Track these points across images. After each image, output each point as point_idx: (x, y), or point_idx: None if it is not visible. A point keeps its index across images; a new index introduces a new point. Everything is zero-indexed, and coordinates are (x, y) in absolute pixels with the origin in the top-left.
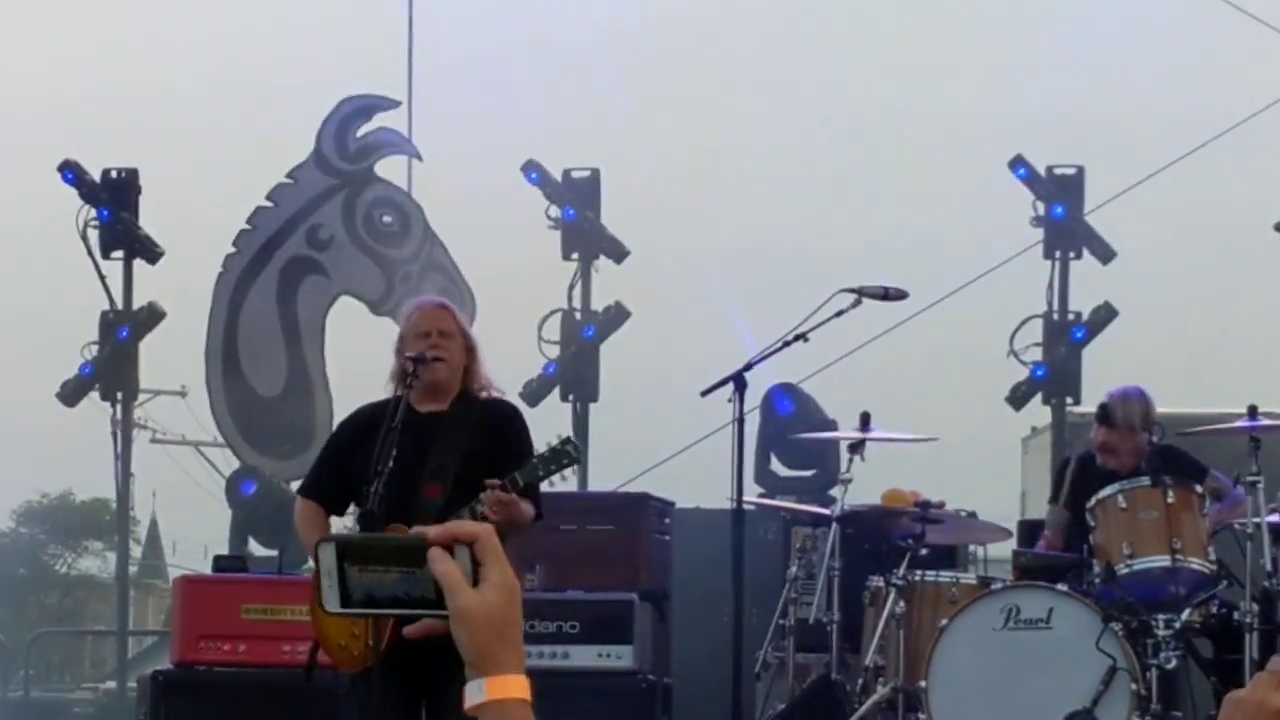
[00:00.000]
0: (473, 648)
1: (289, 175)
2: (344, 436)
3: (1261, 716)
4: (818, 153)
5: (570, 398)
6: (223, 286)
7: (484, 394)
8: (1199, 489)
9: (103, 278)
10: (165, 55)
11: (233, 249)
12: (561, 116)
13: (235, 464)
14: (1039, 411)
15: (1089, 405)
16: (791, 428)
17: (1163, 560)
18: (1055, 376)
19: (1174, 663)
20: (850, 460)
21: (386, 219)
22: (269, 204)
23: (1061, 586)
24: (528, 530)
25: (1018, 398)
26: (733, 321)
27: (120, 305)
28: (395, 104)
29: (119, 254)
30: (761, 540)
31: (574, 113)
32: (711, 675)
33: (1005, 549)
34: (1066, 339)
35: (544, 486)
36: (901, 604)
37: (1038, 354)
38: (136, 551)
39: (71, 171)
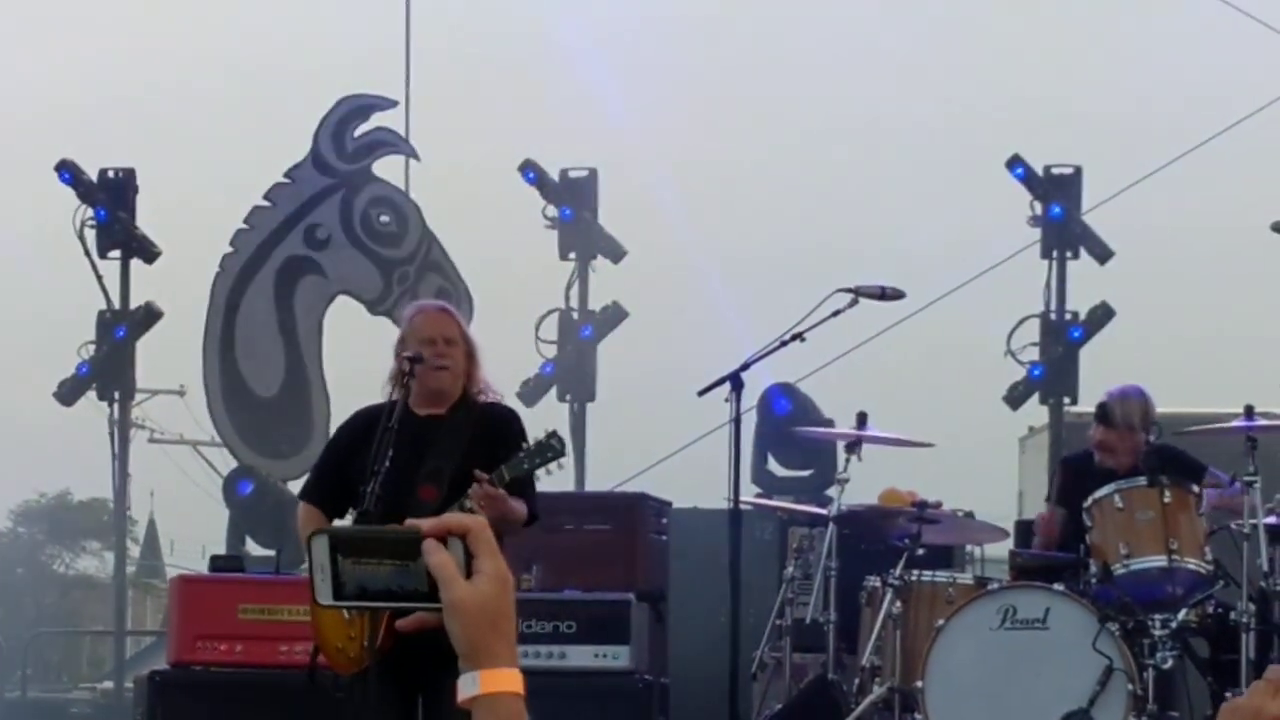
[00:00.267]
0: (466, 640)
1: (286, 175)
2: (343, 440)
3: None
4: (815, 153)
5: (567, 397)
6: (220, 286)
7: (482, 397)
8: (1196, 489)
9: (100, 277)
10: (163, 56)
11: (230, 249)
12: (559, 116)
13: (233, 463)
14: (1036, 411)
15: (1086, 405)
16: (789, 428)
17: (1159, 560)
18: (1052, 376)
19: (1170, 663)
20: (847, 460)
21: (384, 219)
22: (266, 204)
23: (1058, 586)
24: (522, 530)
25: (1015, 397)
26: (730, 321)
27: (117, 305)
28: (393, 104)
29: (116, 254)
30: (758, 540)
31: (571, 113)
32: (708, 675)
33: (1002, 549)
34: (1064, 339)
35: (540, 487)
36: (898, 604)
37: (1035, 354)
38: (134, 551)
39: (69, 171)
